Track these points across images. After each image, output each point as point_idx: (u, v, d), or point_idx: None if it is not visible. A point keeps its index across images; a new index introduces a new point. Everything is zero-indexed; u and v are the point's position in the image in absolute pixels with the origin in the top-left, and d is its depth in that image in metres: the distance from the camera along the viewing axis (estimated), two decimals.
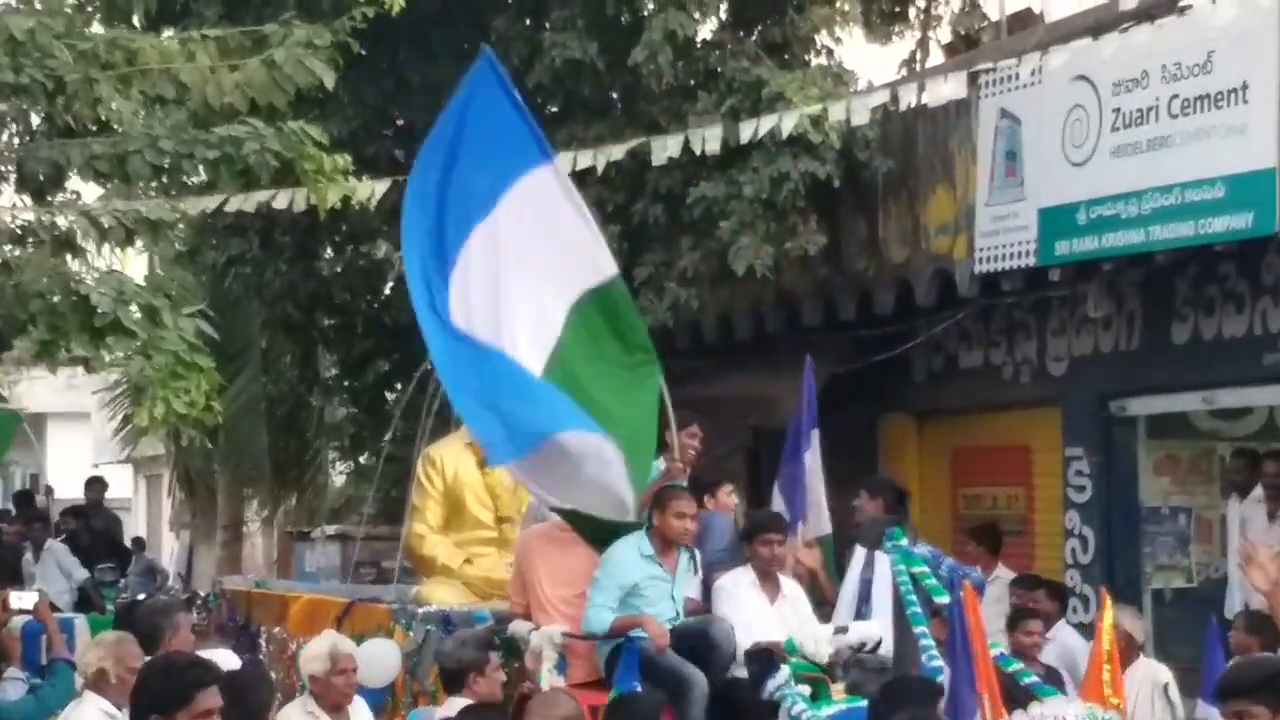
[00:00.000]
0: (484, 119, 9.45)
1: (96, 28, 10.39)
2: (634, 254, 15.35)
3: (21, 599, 11.09)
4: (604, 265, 9.64)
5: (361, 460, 23.12)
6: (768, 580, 9.40)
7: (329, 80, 9.35)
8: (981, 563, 12.11)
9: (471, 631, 9.09)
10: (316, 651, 8.54)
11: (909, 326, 14.68)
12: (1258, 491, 12.15)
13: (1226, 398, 13.01)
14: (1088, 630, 10.75)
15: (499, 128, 9.45)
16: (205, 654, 11.79)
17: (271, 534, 25.76)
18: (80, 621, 12.03)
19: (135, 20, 12.67)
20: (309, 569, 18.75)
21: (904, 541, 8.51)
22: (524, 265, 9.36)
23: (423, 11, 15.15)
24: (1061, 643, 10.78)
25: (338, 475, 26.18)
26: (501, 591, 10.23)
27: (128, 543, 22.29)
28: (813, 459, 11.55)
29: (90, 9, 9.78)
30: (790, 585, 9.56)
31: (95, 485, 19.41)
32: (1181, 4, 11.09)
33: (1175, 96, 11.76)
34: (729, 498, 11.06)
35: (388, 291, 19.34)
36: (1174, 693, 10.28)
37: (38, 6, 9.43)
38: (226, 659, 9.87)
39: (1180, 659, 11.11)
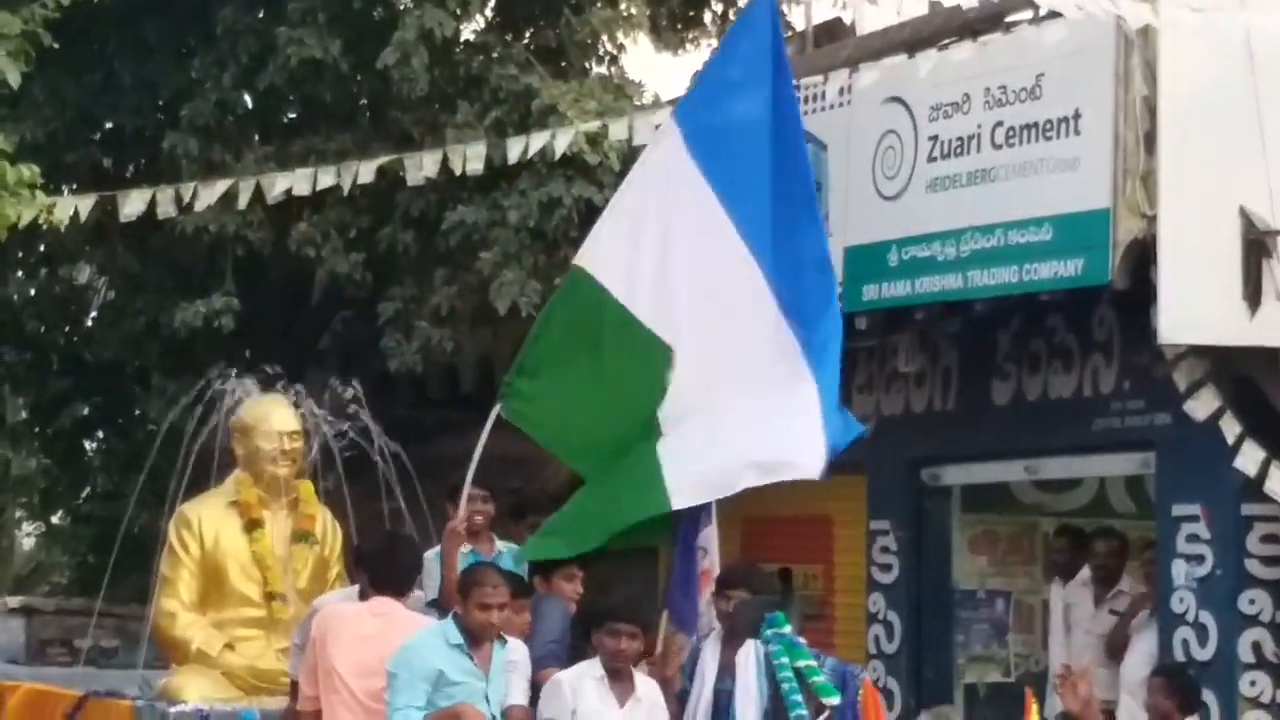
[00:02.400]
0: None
1: None
2: (380, 286, 15.21)
3: None
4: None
5: (54, 520, 22.64)
6: (618, 678, 9.04)
7: (14, 78, 9.08)
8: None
9: None
10: None
11: None
12: (1084, 574, 12.29)
13: (1052, 467, 13.13)
14: None
15: None
16: None
17: None
18: None
19: None
20: None
21: (787, 629, 8.33)
22: None
23: None
24: None
25: (25, 537, 25.66)
26: (271, 684, 10.04)
27: None
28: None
29: None
30: (647, 686, 9.17)
31: None
32: (1009, 19, 11.21)
33: (1000, 124, 11.86)
34: (568, 584, 10.70)
35: (89, 323, 18.97)
36: None
37: None
38: None
39: None
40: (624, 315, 9.98)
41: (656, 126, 12.94)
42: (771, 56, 10.22)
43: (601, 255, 10.15)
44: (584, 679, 8.84)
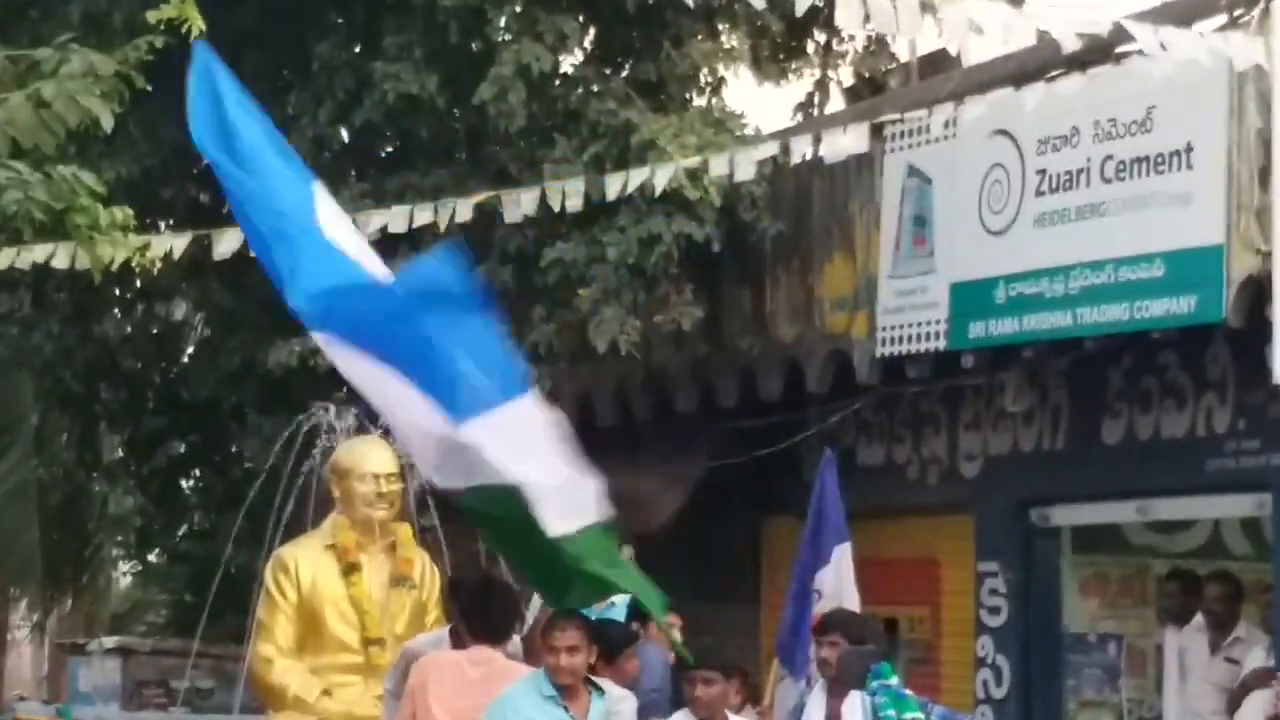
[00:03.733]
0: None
1: None
2: None
3: None
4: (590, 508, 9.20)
5: (150, 559, 22.80)
6: None
7: (107, 121, 9.09)
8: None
9: None
10: None
11: (799, 416, 14.61)
12: (1199, 620, 12.14)
13: (1164, 508, 13.06)
14: None
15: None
16: None
17: (42, 644, 25.30)
18: None
19: None
20: (83, 688, 18.35)
21: (893, 681, 8.26)
22: None
23: (232, 34, 14.94)
24: None
25: (122, 576, 25.85)
26: None
27: None
28: (837, 574, 11.33)
29: None
30: None
31: None
32: (1119, 51, 11.12)
33: (1109, 158, 11.80)
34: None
35: (185, 360, 19.09)
36: None
37: None
38: None
39: None
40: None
41: (757, 162, 12.99)
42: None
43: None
44: None
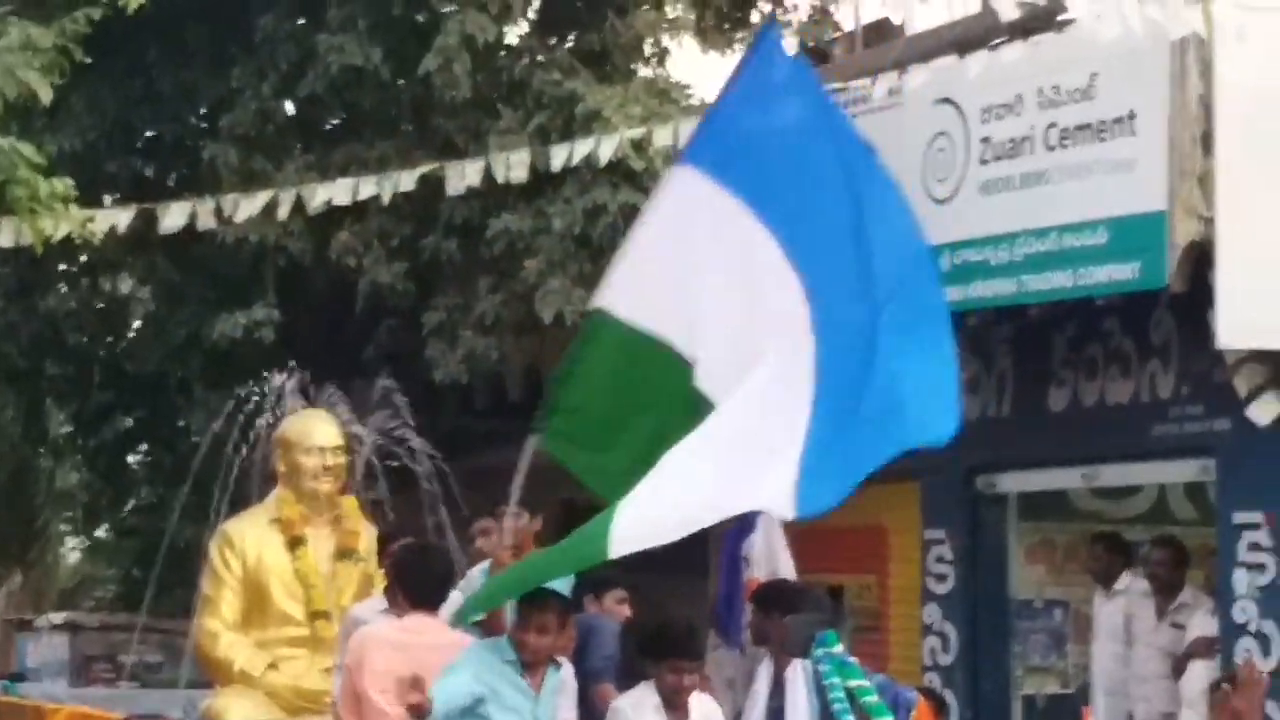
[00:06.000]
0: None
1: None
2: (424, 296, 15.20)
3: None
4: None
5: (98, 534, 22.74)
6: (675, 709, 9.04)
7: (44, 93, 9.08)
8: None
9: None
10: None
11: None
12: (1144, 585, 12.22)
13: (1110, 475, 13.07)
14: None
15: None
16: None
17: None
18: None
19: None
20: (31, 664, 18.32)
21: (838, 648, 8.28)
22: None
23: (174, 7, 14.90)
24: None
25: (69, 552, 25.77)
26: (314, 705, 9.99)
27: None
28: (766, 541, 11.40)
29: None
30: (704, 708, 9.15)
31: None
32: (1061, 18, 11.14)
33: (1053, 125, 11.78)
34: (619, 606, 10.75)
35: (132, 334, 19.02)
36: None
37: None
38: None
39: None
40: (652, 341, 9.56)
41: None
42: (795, 86, 9.43)
43: (621, 291, 9.64)
44: (643, 707, 8.84)
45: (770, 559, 11.40)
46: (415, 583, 9.26)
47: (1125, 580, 12.27)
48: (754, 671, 10.02)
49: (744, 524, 11.34)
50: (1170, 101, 11.09)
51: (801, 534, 14.30)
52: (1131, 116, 11.30)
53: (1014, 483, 13.55)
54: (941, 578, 13.70)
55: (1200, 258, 11.00)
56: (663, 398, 9.43)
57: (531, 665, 8.67)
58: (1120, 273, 11.36)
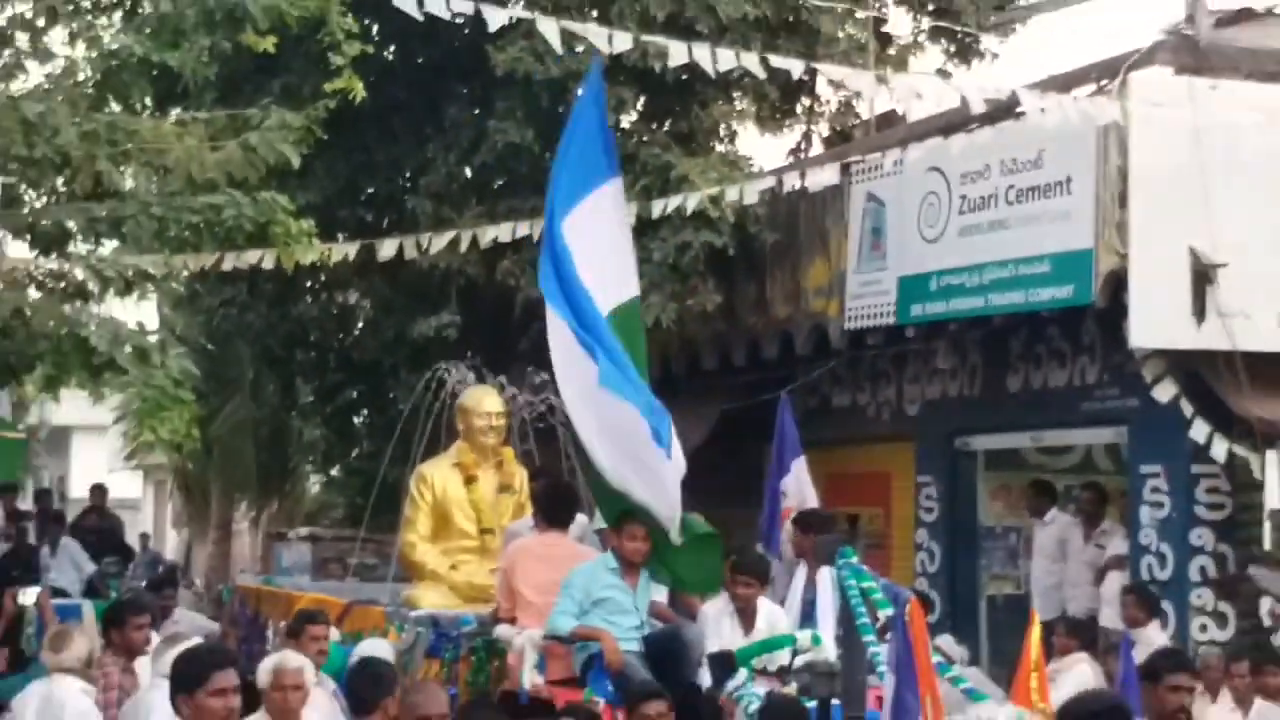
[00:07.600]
0: (583, 125, 8.97)
1: (114, 106, 10.09)
2: None
3: (25, 595, 10.73)
4: (633, 283, 9.17)
5: (332, 473, 22.84)
6: (744, 615, 9.03)
7: (295, 160, 9.16)
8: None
9: (385, 664, 7.95)
10: (264, 665, 7.10)
11: (790, 372, 14.55)
12: (1072, 516, 12.15)
13: (1051, 438, 13.00)
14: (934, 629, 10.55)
15: (591, 135, 8.96)
16: (177, 615, 11.48)
17: (256, 534, 25.40)
18: (87, 607, 11.70)
19: (143, 102, 12.34)
20: (285, 564, 18.36)
21: (854, 559, 8.21)
22: (589, 265, 8.75)
23: (386, 100, 14.99)
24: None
25: (312, 485, 25.89)
26: (482, 596, 9.93)
27: (133, 539, 21.89)
28: (796, 480, 11.40)
29: (97, 90, 9.50)
30: (767, 614, 8.94)
31: (97, 492, 18.98)
32: (1018, 110, 11.05)
33: (1011, 187, 11.72)
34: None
35: (356, 332, 19.12)
36: None
37: (47, 87, 9.17)
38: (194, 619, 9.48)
39: (1010, 654, 10.99)
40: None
41: (760, 190, 12.94)
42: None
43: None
44: (721, 613, 8.87)
45: (800, 493, 11.39)
46: (551, 509, 9.29)
47: (1052, 514, 12.22)
48: (792, 575, 10.06)
49: (781, 467, 11.34)
50: (1097, 170, 11.01)
51: (831, 478, 14.33)
52: (1069, 181, 11.24)
53: (982, 443, 13.48)
54: (929, 510, 13.64)
55: (1118, 282, 10.92)
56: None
57: (629, 567, 8.66)
58: (1060, 293, 11.29)
